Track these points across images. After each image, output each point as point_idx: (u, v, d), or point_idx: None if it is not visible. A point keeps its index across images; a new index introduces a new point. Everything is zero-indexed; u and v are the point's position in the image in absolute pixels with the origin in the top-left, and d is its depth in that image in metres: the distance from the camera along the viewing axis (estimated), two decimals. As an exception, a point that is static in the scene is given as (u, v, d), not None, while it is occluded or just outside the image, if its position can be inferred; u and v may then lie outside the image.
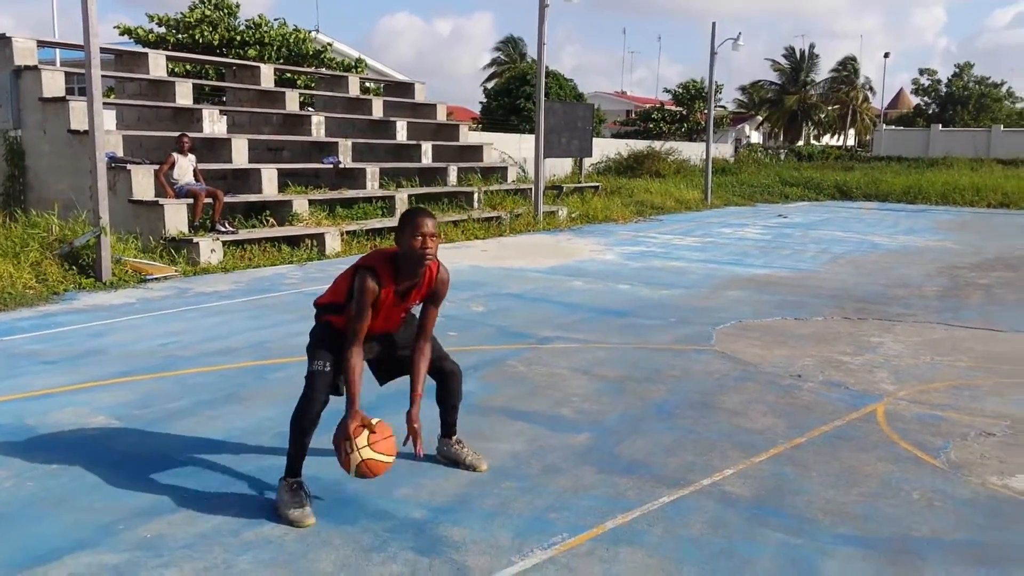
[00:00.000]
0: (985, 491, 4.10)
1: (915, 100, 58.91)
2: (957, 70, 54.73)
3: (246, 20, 21.37)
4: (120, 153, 11.64)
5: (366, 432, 3.58)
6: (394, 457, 3.66)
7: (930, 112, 54.71)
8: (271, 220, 12.35)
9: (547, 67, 18.74)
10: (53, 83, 11.97)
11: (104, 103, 9.78)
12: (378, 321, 3.79)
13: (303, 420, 3.70)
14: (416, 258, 3.68)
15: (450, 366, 4.16)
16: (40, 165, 11.99)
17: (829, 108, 58.29)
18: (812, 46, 57.96)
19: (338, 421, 3.62)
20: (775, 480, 4.17)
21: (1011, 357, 6.84)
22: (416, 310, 4.01)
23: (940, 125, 44.51)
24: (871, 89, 60.03)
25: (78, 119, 11.33)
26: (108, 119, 13.44)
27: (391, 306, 3.79)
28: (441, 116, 19.29)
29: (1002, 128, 41.77)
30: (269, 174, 12.90)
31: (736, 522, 3.70)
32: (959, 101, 53.33)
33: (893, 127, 51.00)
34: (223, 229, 11.11)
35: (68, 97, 11.79)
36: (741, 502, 3.91)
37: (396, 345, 4.02)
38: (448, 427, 4.29)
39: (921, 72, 57.17)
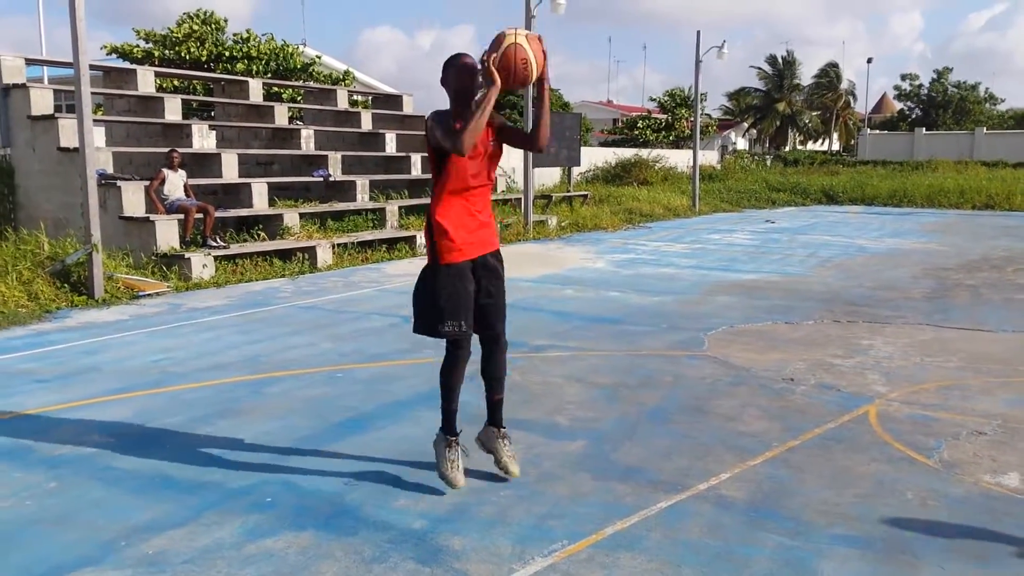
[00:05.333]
0: (978, 489, 4.15)
1: (898, 105, 59.43)
2: (936, 75, 55.32)
3: (233, 35, 21.43)
4: (110, 170, 11.65)
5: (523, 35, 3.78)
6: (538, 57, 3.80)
7: (913, 116, 55.21)
8: (262, 234, 12.37)
9: (534, 77, 18.83)
10: (42, 101, 11.96)
11: (93, 120, 9.78)
12: (469, 169, 3.94)
13: (452, 378, 4.02)
14: (466, 91, 3.90)
15: (503, 339, 4.18)
16: (30, 184, 11.98)
17: (813, 114, 58.71)
18: (792, 52, 58.34)
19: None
20: (770, 483, 4.22)
21: (999, 357, 6.91)
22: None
23: (924, 129, 44.87)
24: (853, 95, 60.52)
25: (68, 136, 11.32)
26: (98, 136, 13.44)
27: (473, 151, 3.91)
28: (429, 128, 19.32)
29: (985, 131, 42.15)
30: (259, 188, 12.92)
31: (733, 525, 3.74)
32: (940, 105, 53.85)
33: (877, 131, 51.37)
34: (214, 244, 11.12)
35: (57, 115, 11.77)
36: (737, 505, 3.95)
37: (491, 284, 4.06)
38: (493, 411, 4.26)
39: (903, 78, 57.76)
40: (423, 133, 19.07)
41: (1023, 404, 5.57)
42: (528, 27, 16.44)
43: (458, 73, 3.92)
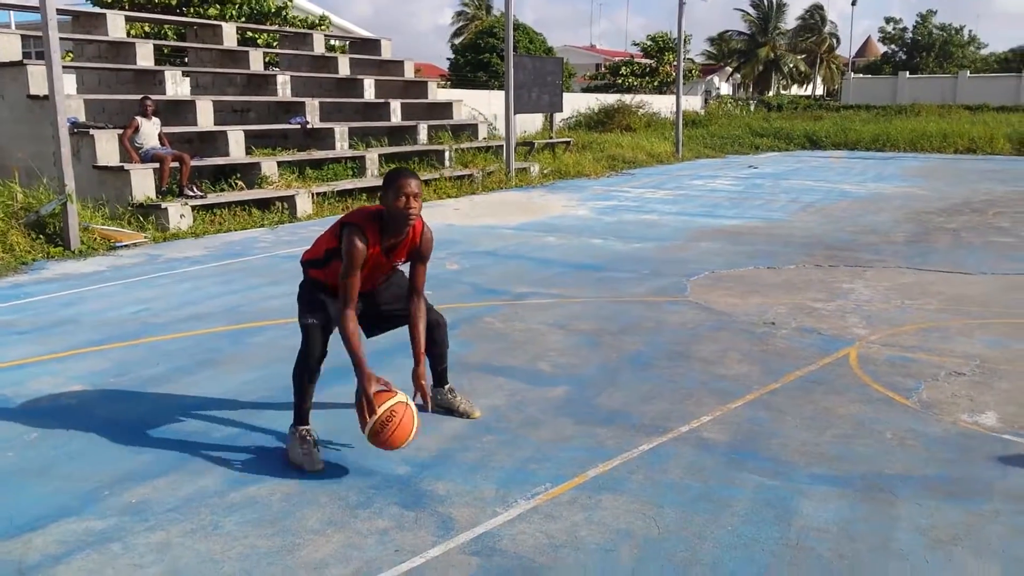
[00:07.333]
0: (956, 429, 4.21)
1: (883, 48, 59.11)
2: (920, 18, 54.99)
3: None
4: (82, 118, 11.40)
5: (388, 407, 3.57)
6: (407, 440, 3.66)
7: (896, 60, 54.96)
8: (240, 183, 12.19)
9: (515, 20, 18.52)
10: (9, 47, 11.64)
11: (63, 67, 9.53)
12: (362, 278, 3.83)
13: (303, 372, 3.86)
14: (400, 217, 3.75)
15: (435, 316, 4.25)
16: (0, 132, 11.70)
17: (798, 57, 58.29)
18: (781, -6, 57.64)
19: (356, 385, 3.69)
20: (751, 425, 4.25)
21: (978, 299, 6.97)
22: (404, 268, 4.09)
23: (907, 73, 44.68)
24: (837, 37, 60.08)
25: (37, 84, 11.03)
26: (68, 83, 13.12)
27: (376, 264, 3.86)
28: (409, 73, 19.03)
29: (968, 74, 42.04)
30: (236, 136, 12.70)
31: (714, 466, 3.77)
32: (924, 48, 53.61)
33: (861, 75, 51.14)
34: (191, 194, 10.96)
35: (26, 61, 11.46)
36: (718, 447, 3.98)
37: (378, 301, 4.08)
38: (439, 376, 4.41)
39: (887, 20, 57.32)
40: (402, 79, 18.73)
41: (1001, 345, 5.63)
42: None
43: (394, 196, 3.71)
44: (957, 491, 3.54)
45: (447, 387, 4.42)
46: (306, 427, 3.86)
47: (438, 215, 11.75)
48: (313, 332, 3.83)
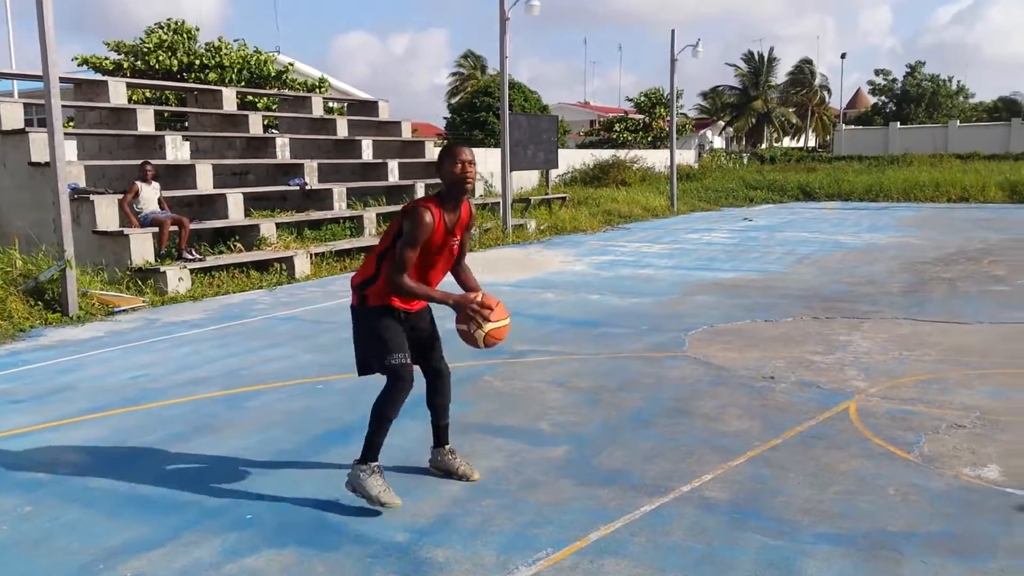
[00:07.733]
0: (959, 483, 4.18)
1: (872, 99, 60.00)
2: (909, 69, 55.92)
3: (205, 44, 21.28)
4: (83, 184, 11.51)
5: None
6: (509, 316, 4.02)
7: (887, 111, 55.74)
8: (239, 245, 12.27)
9: (511, 79, 18.83)
10: (12, 115, 11.81)
11: (65, 133, 9.66)
12: (429, 258, 3.90)
13: (391, 410, 3.90)
14: (458, 184, 3.87)
15: (443, 366, 4.25)
16: (1, 200, 11.80)
17: (789, 110, 59.14)
18: (772, 49, 58.84)
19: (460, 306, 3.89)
20: (753, 483, 4.22)
21: (976, 349, 6.97)
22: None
23: (898, 123, 45.27)
24: (828, 89, 61.04)
25: (39, 151, 11.18)
26: (69, 150, 13.29)
27: (441, 245, 3.92)
28: (406, 133, 19.31)
29: (958, 123, 42.63)
30: (235, 199, 12.81)
31: (717, 527, 3.73)
32: (913, 99, 54.42)
33: (852, 127, 51.81)
34: (190, 257, 11.01)
35: (28, 129, 11.63)
36: (721, 506, 3.94)
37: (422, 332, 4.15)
38: (440, 434, 4.35)
39: (876, 72, 58.32)
40: (399, 139, 19.03)
41: (1001, 396, 5.61)
42: (503, 29, 16.43)
43: (451, 164, 3.86)
44: (961, 548, 3.50)
45: (447, 447, 4.37)
46: (379, 463, 3.89)
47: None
48: (403, 371, 3.86)
